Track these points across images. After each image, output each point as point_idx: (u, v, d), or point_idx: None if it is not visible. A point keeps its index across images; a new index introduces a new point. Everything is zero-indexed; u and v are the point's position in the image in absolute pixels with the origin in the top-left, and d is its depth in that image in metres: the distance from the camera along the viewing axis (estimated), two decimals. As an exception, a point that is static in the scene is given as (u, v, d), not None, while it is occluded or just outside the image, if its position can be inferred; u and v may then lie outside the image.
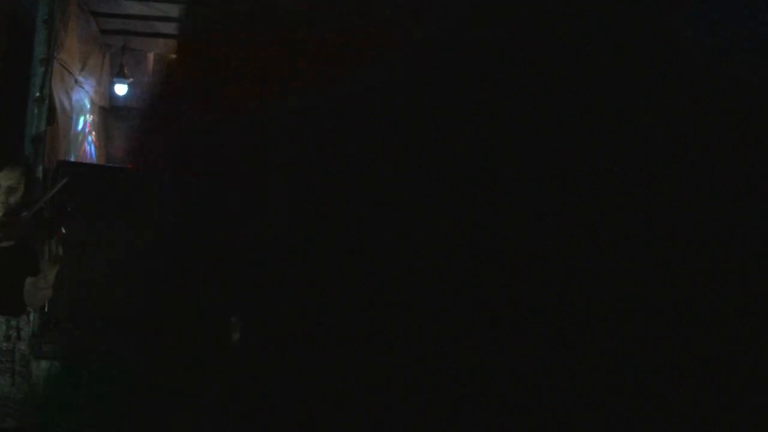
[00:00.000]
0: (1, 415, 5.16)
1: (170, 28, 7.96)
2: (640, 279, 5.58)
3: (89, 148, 8.11)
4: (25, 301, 4.85)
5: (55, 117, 6.23)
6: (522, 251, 5.82)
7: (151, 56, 9.02)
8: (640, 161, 5.59)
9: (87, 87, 7.75)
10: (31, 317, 5.49)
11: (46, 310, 5.69)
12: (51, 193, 5.19)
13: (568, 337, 5.56)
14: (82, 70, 7.30)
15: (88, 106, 8.02)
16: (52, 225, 5.07)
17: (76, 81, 7.22)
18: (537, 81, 5.86)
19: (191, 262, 7.16)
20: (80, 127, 7.69)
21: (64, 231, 5.46)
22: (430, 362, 5.93)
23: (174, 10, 7.35)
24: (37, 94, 5.49)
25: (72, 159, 7.14)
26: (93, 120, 8.29)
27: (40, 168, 5.54)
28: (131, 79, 8.82)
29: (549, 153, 5.84)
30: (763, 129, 5.34)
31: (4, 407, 5.17)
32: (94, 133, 8.38)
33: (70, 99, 7.02)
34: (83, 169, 6.82)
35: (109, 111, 9.01)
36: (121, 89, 8.83)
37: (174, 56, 8.62)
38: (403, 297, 6.18)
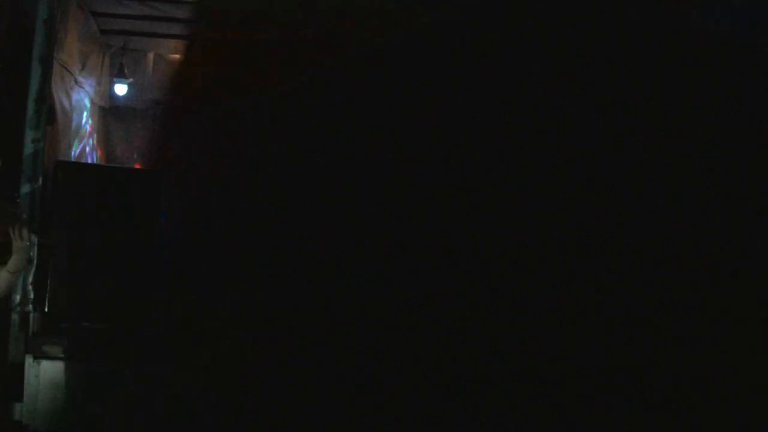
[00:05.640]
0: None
1: (171, 28, 7.96)
2: (640, 279, 5.57)
3: (89, 149, 8.10)
4: None
5: (55, 117, 6.22)
6: (521, 251, 5.80)
7: (151, 56, 9.01)
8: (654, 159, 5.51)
9: (87, 87, 7.74)
10: (31, 317, 5.49)
11: (46, 309, 5.69)
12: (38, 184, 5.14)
13: (568, 338, 5.55)
14: (82, 70, 7.28)
15: (88, 106, 8.01)
16: (20, 216, 4.95)
17: (76, 81, 7.21)
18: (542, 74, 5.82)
19: (193, 261, 7.14)
20: (81, 127, 7.68)
21: (56, 229, 5.46)
22: (428, 363, 5.91)
23: (175, 11, 7.34)
24: (37, 94, 5.48)
25: (72, 159, 7.13)
26: (93, 120, 8.28)
27: (39, 168, 5.53)
28: (131, 79, 8.81)
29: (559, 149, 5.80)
30: None
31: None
32: (95, 134, 8.37)
33: (70, 99, 7.00)
34: (82, 168, 6.81)
35: (109, 111, 9.00)
36: (121, 89, 8.82)
37: (175, 56, 8.62)
38: (401, 297, 6.16)
